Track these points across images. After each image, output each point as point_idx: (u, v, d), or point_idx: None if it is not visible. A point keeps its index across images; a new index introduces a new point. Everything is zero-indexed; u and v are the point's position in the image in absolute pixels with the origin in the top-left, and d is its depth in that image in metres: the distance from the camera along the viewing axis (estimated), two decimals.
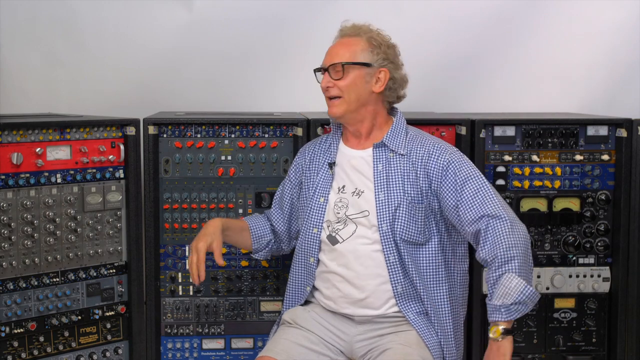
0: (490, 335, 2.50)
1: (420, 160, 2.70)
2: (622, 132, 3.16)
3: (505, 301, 2.49)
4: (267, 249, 2.95)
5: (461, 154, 2.72)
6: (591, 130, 3.20)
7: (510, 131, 3.18)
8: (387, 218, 2.67)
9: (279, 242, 2.98)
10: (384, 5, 3.79)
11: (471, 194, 2.62)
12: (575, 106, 3.89)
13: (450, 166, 2.66)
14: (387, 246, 2.68)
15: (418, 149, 2.72)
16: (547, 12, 3.86)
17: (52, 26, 3.81)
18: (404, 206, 2.67)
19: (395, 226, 2.66)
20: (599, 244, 3.21)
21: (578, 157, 3.19)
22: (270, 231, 2.95)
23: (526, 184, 3.18)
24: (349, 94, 2.70)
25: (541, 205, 3.19)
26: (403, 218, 2.66)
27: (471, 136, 3.17)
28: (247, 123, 3.17)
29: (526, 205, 3.18)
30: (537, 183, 3.18)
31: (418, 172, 2.69)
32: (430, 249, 2.70)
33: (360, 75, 2.69)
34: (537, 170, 3.19)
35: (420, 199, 2.68)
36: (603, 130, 3.20)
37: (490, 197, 2.61)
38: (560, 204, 3.19)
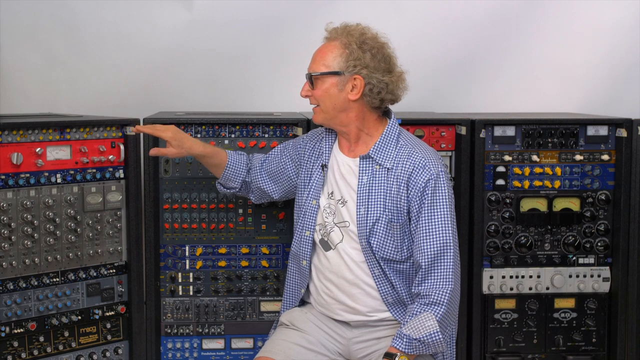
0: None
1: (404, 174, 2.64)
2: (622, 132, 3.16)
3: (412, 334, 2.51)
4: (228, 190, 2.99)
5: (444, 173, 2.64)
6: (591, 130, 3.20)
7: (510, 131, 3.18)
8: (365, 233, 2.65)
9: (248, 190, 2.99)
10: (383, 5, 3.79)
11: (431, 222, 2.60)
12: (575, 106, 3.89)
13: (428, 185, 2.60)
14: (370, 260, 2.67)
15: (405, 161, 2.65)
16: (547, 12, 3.86)
17: (52, 26, 3.81)
18: (382, 222, 2.64)
19: (372, 242, 2.65)
20: (599, 244, 3.21)
21: (578, 157, 3.19)
22: (242, 181, 2.95)
23: (526, 184, 3.18)
24: (324, 103, 2.67)
25: (541, 205, 3.19)
26: (380, 234, 2.64)
27: (471, 136, 3.17)
28: (247, 123, 3.17)
29: (526, 205, 3.18)
30: (537, 183, 3.18)
31: (401, 188, 2.64)
32: (410, 265, 2.68)
33: (332, 83, 2.64)
34: (537, 170, 3.19)
35: (398, 215, 2.64)
36: (603, 130, 3.20)
37: (446, 234, 2.58)
38: (560, 204, 3.19)
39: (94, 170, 3.00)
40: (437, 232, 2.59)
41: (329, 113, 2.68)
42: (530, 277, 3.22)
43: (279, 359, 2.67)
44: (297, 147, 2.90)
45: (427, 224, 2.60)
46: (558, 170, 3.20)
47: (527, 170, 3.19)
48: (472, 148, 3.17)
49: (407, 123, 3.15)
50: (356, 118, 2.68)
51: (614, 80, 3.90)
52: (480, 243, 3.19)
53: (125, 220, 3.09)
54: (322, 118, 2.71)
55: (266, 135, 3.18)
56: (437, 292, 2.55)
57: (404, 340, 2.52)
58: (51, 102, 3.79)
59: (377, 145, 2.68)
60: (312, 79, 2.67)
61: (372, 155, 2.68)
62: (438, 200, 2.61)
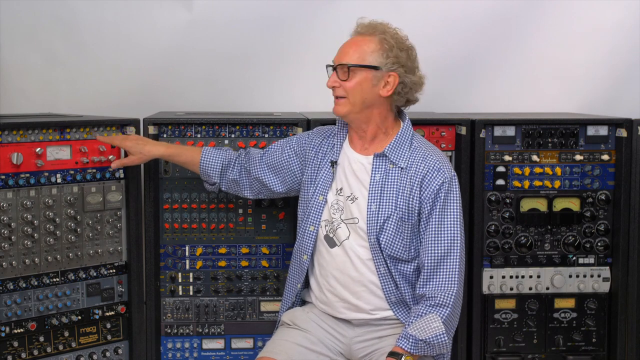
0: None
1: (418, 175, 2.66)
2: (622, 132, 3.16)
3: (418, 335, 2.53)
4: (212, 187, 3.01)
5: (456, 178, 2.69)
6: (591, 130, 3.20)
7: (510, 131, 3.18)
8: (375, 230, 2.66)
9: (240, 187, 2.98)
10: (383, 5, 3.78)
11: (440, 224, 2.63)
12: (575, 106, 3.89)
13: (442, 188, 2.64)
14: (377, 257, 2.68)
15: (419, 162, 2.68)
16: (547, 12, 3.86)
17: (52, 26, 3.81)
18: (393, 220, 2.66)
19: (381, 239, 2.66)
20: (599, 244, 3.21)
21: (578, 157, 3.19)
22: (219, 175, 2.95)
23: (526, 184, 3.18)
24: (353, 96, 2.66)
25: (541, 205, 3.19)
26: (390, 232, 2.65)
27: (471, 136, 3.17)
28: (247, 123, 3.17)
29: (526, 205, 3.18)
30: (537, 183, 3.18)
31: (414, 188, 2.66)
32: (414, 267, 2.69)
33: (368, 78, 2.65)
34: (537, 170, 3.19)
35: (409, 215, 2.66)
36: (603, 130, 3.20)
37: (454, 237, 2.62)
38: (560, 204, 3.19)
39: (94, 170, 3.00)
40: (445, 235, 2.62)
41: (356, 106, 2.68)
42: (530, 277, 3.22)
43: (280, 359, 2.67)
44: (302, 143, 2.90)
45: (436, 226, 2.63)
46: (558, 170, 3.20)
47: (527, 170, 3.19)
48: (472, 148, 3.17)
49: None
50: (379, 115, 2.70)
51: (614, 80, 3.90)
52: (480, 243, 3.19)
53: (125, 220, 3.09)
54: (347, 110, 2.69)
55: (266, 135, 3.18)
56: (443, 293, 2.57)
57: (410, 340, 2.53)
58: (51, 102, 3.78)
59: (392, 144, 2.70)
60: (348, 70, 2.65)
61: (387, 154, 2.70)
62: (449, 204, 2.64)
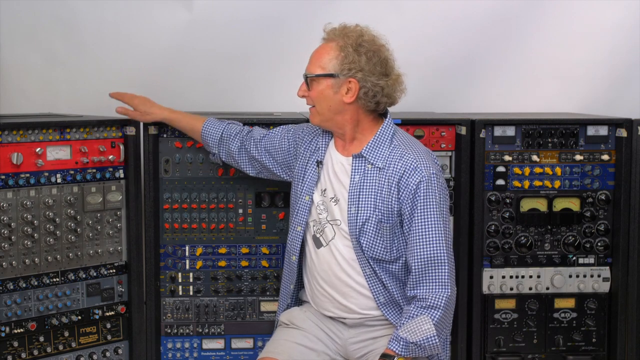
0: None
1: (395, 175, 2.62)
2: (622, 132, 3.16)
3: (408, 337, 2.51)
4: (213, 157, 3.05)
5: (437, 175, 2.62)
6: (591, 130, 3.20)
7: (510, 131, 3.18)
8: (356, 232, 2.64)
9: (239, 162, 3.01)
10: (383, 5, 3.78)
11: (423, 226, 2.58)
12: (575, 106, 3.89)
13: (420, 187, 2.58)
14: (361, 259, 2.67)
15: (396, 162, 2.63)
16: (547, 12, 3.86)
17: (52, 26, 3.81)
18: (372, 222, 2.63)
19: (362, 241, 2.64)
20: (599, 244, 3.21)
21: (578, 157, 3.19)
22: (217, 144, 2.99)
23: (526, 184, 3.18)
24: (319, 105, 2.67)
25: (541, 205, 3.19)
26: (369, 234, 2.63)
27: (471, 136, 3.17)
28: (247, 123, 3.17)
29: (526, 205, 3.18)
30: (537, 183, 3.18)
31: (392, 188, 2.62)
32: (400, 266, 2.67)
33: (328, 85, 2.64)
34: (537, 170, 3.19)
35: (388, 216, 2.63)
36: (603, 130, 3.20)
37: (439, 238, 2.57)
38: (560, 204, 3.19)
39: (94, 170, 3.00)
40: (430, 237, 2.57)
41: (324, 115, 2.68)
42: (530, 277, 3.22)
43: (281, 359, 2.67)
44: (297, 136, 2.91)
45: (419, 228, 2.58)
46: (558, 170, 3.20)
47: (527, 170, 3.19)
48: (472, 148, 3.17)
49: (407, 123, 3.15)
50: (351, 120, 2.68)
51: (614, 80, 3.90)
52: (480, 243, 3.19)
53: (125, 220, 3.09)
54: (319, 120, 2.71)
55: None
56: (434, 295, 2.54)
57: (401, 343, 2.52)
58: (51, 102, 3.78)
59: (370, 144, 2.67)
60: (307, 80, 2.67)
61: (365, 155, 2.67)
62: (430, 203, 2.59)
